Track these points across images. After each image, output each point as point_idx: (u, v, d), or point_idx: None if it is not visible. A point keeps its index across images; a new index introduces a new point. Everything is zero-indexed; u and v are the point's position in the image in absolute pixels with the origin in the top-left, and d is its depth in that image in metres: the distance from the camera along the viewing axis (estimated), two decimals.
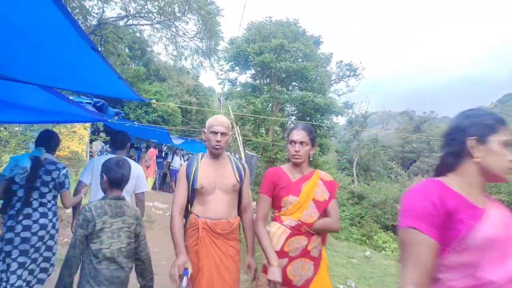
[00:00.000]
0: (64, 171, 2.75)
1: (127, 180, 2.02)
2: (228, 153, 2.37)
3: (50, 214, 2.68)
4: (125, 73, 17.00)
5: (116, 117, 7.14)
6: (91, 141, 10.19)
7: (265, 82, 16.11)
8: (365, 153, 36.74)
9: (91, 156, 10.21)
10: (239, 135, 11.23)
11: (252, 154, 12.47)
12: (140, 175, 2.91)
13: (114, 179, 1.95)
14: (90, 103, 4.52)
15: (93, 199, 2.63)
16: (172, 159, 12.81)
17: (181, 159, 12.63)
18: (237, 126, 11.45)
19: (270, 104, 15.04)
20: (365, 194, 22.80)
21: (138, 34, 17.54)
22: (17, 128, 6.65)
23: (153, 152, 11.58)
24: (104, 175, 1.97)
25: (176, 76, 22.80)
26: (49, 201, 2.70)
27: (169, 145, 19.09)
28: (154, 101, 3.16)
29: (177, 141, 13.11)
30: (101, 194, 2.06)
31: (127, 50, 20.57)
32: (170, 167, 12.58)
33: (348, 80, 18.68)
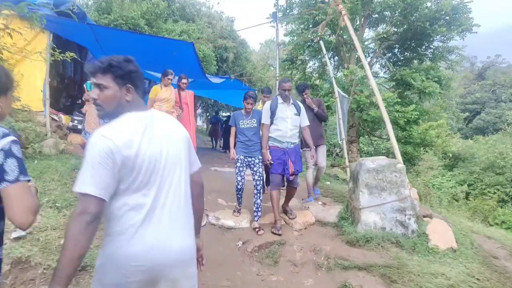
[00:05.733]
0: (9, 140, 1.11)
1: None
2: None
3: None
4: (138, 8, 12.41)
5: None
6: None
7: None
8: (432, 105, 30.41)
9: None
10: (355, 35, 5.24)
11: (344, 94, 7.46)
12: (189, 139, 1.45)
13: None
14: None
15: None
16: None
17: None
18: (346, 12, 5.76)
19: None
20: (467, 153, 17.18)
21: None
22: None
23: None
24: None
25: (206, 17, 18.11)
26: None
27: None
28: None
29: (214, 80, 8.43)
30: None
31: None
32: None
33: None
